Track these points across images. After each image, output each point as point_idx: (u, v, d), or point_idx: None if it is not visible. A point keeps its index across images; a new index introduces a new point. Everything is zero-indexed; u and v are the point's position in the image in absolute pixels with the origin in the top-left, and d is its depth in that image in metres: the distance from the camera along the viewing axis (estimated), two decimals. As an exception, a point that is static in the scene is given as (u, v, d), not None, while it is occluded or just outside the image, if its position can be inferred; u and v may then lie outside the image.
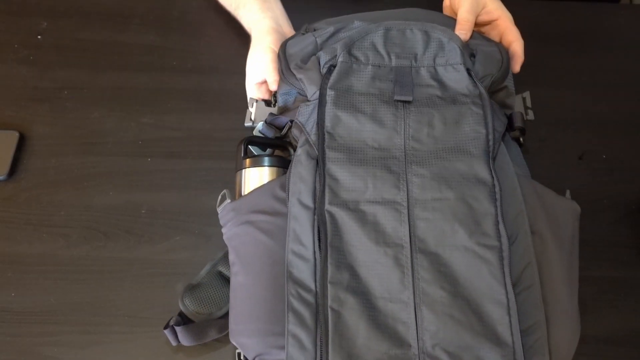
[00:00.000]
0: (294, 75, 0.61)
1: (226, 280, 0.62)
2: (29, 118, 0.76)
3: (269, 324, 0.52)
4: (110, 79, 0.79)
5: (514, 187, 0.55)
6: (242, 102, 0.70)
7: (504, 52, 0.64)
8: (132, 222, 0.69)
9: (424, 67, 0.60)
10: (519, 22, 0.68)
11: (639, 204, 0.71)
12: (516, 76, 0.75)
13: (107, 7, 0.85)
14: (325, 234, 0.52)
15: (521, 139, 0.63)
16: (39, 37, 0.83)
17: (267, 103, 0.67)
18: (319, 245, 0.52)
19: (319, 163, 0.55)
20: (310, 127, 0.58)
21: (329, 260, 0.51)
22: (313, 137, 0.57)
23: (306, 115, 0.59)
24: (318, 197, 0.54)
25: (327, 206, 0.53)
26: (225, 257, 0.63)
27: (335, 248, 0.52)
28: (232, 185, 0.63)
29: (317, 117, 0.57)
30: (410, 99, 0.57)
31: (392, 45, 0.60)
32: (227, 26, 0.81)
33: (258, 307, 0.53)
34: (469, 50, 0.61)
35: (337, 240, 0.52)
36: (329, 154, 0.55)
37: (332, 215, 0.53)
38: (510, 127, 0.62)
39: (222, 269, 0.63)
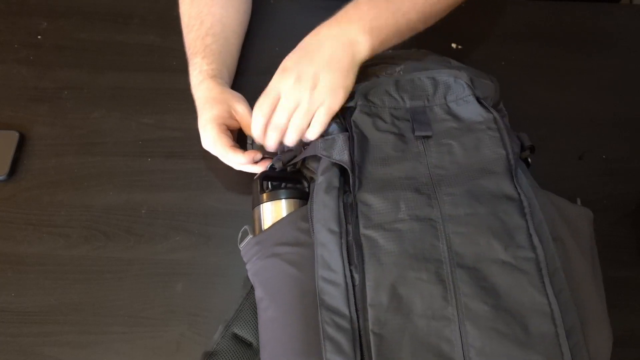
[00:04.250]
0: None
1: (243, 342, 0.60)
2: (29, 118, 0.76)
3: (306, 356, 0.50)
4: (110, 79, 0.79)
5: (530, 197, 0.55)
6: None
7: (492, 79, 0.67)
8: (132, 222, 0.69)
9: (436, 105, 0.62)
10: (519, 22, 0.68)
11: (639, 204, 0.71)
12: (516, 76, 0.75)
13: (107, 7, 0.85)
14: (362, 258, 0.51)
15: (529, 159, 0.64)
16: (39, 37, 0.83)
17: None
18: (350, 269, 0.51)
19: (351, 189, 0.55)
20: (339, 156, 0.57)
21: (367, 282, 0.50)
22: (345, 162, 0.56)
23: (329, 146, 0.58)
24: (352, 223, 0.53)
25: (362, 230, 0.53)
26: (237, 316, 0.61)
27: (373, 270, 0.51)
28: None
29: (348, 149, 0.57)
30: (430, 133, 0.59)
31: (403, 91, 0.63)
32: (227, 26, 0.81)
33: (293, 340, 0.52)
34: (471, 79, 0.64)
35: (374, 261, 0.51)
36: (359, 182, 0.56)
37: (368, 238, 0.52)
38: (521, 147, 0.63)
39: (236, 330, 0.61)
